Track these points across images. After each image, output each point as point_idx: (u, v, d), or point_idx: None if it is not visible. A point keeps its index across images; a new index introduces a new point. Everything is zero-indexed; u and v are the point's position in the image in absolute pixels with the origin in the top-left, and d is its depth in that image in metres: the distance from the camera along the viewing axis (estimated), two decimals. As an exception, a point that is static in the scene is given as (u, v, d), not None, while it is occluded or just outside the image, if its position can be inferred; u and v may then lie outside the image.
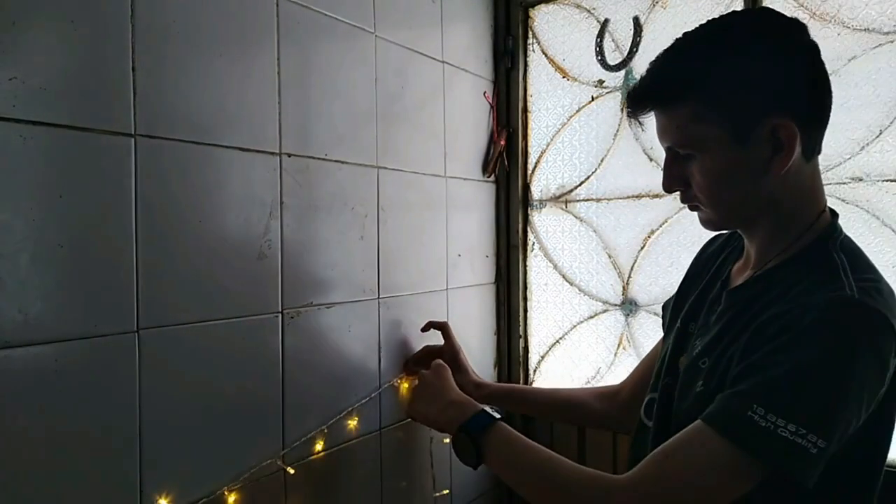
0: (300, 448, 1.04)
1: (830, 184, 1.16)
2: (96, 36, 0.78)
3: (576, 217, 1.50)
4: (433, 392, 1.04)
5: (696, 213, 0.85)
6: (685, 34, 0.78)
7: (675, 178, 0.81)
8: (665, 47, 0.79)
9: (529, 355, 1.58)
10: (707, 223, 0.84)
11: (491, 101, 1.54)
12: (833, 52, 1.15)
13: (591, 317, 1.49)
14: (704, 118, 0.75)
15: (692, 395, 0.79)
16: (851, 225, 1.14)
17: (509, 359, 1.59)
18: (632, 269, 1.42)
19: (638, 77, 0.96)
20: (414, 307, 1.30)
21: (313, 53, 1.07)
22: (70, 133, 0.75)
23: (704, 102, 0.75)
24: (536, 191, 1.56)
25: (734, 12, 0.79)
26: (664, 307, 1.03)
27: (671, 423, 0.83)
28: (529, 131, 1.56)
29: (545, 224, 1.55)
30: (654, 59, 0.80)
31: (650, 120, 0.82)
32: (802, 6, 1.18)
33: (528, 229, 1.58)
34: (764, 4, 1.21)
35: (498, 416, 0.91)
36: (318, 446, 1.08)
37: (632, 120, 0.82)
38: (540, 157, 1.55)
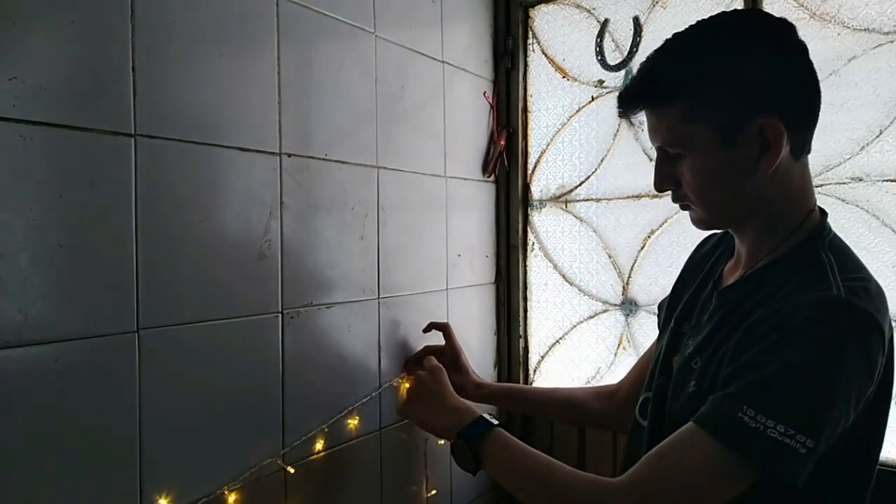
0: (300, 448, 1.04)
1: (830, 184, 1.16)
2: (96, 36, 0.78)
3: (576, 217, 1.50)
4: (431, 397, 1.04)
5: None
6: (675, 35, 0.79)
7: (665, 178, 0.82)
8: (655, 48, 0.80)
9: (529, 355, 1.58)
10: (698, 222, 0.85)
11: (491, 101, 1.54)
12: (833, 52, 1.15)
13: (591, 317, 1.49)
14: (694, 118, 0.76)
15: (685, 395, 0.80)
16: (851, 225, 1.14)
17: (509, 359, 1.59)
18: (632, 269, 1.42)
19: (637, 77, 0.96)
20: (414, 307, 1.30)
21: (313, 53, 1.07)
22: (70, 133, 0.75)
23: (693, 102, 0.76)
24: (536, 191, 1.56)
25: (724, 13, 0.80)
26: (659, 306, 1.03)
27: (665, 423, 0.83)
28: (529, 131, 1.56)
29: (545, 224, 1.55)
30: (644, 59, 0.81)
31: None
32: (802, 6, 1.18)
33: (528, 229, 1.58)
34: (763, 5, 1.21)
35: (496, 422, 0.91)
36: (319, 446, 1.08)
37: (624, 119, 0.83)
38: (540, 157, 1.55)
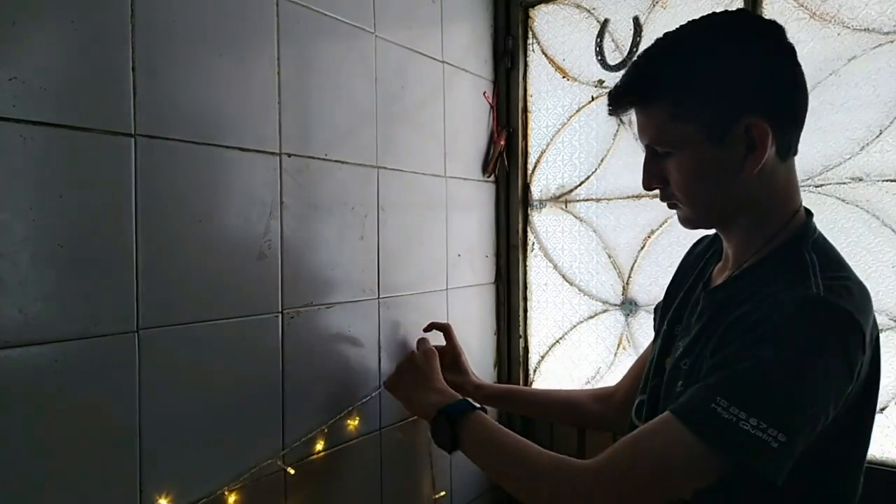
0: (300, 448, 1.04)
1: (830, 184, 1.16)
2: (96, 36, 0.78)
3: (576, 217, 1.50)
4: (420, 376, 1.08)
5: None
6: (665, 34, 0.80)
7: (653, 176, 0.83)
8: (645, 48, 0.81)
9: (529, 355, 1.58)
10: (685, 221, 0.86)
11: (491, 101, 1.54)
12: (833, 52, 1.15)
13: (591, 317, 1.49)
14: (681, 117, 0.77)
15: (674, 396, 0.81)
16: (851, 225, 1.14)
17: (509, 359, 1.59)
18: (632, 269, 1.42)
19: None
20: (414, 307, 1.30)
21: (313, 53, 1.07)
22: (70, 133, 0.75)
23: (681, 101, 0.77)
24: (536, 191, 1.56)
25: (714, 14, 0.80)
26: (655, 309, 1.04)
27: None
28: (529, 131, 1.56)
29: (545, 224, 1.55)
30: (634, 58, 0.81)
31: None
32: (802, 6, 1.18)
33: (528, 229, 1.57)
34: (764, 5, 1.21)
35: (478, 406, 0.95)
36: (318, 446, 1.08)
37: (615, 118, 0.84)
38: (540, 157, 1.55)
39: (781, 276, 0.75)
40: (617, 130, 1.43)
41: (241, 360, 0.95)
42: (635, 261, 1.41)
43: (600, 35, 1.43)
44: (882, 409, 1.12)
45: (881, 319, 1.12)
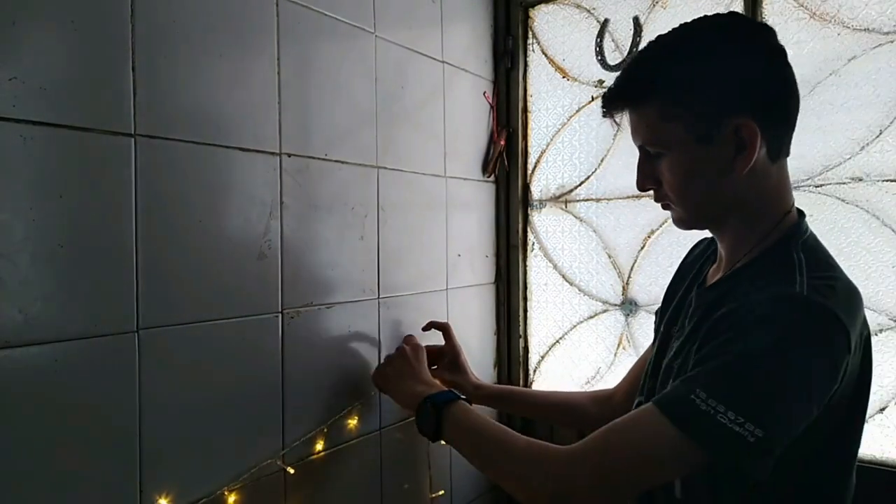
0: (300, 448, 1.04)
1: (830, 184, 1.16)
2: (96, 36, 0.78)
3: (576, 217, 1.50)
4: (409, 369, 1.10)
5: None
6: (657, 37, 0.81)
7: (647, 177, 0.84)
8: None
9: (529, 355, 1.58)
10: (678, 222, 0.87)
11: (491, 101, 1.54)
12: (833, 52, 1.15)
13: (591, 317, 1.49)
14: (671, 117, 0.78)
15: None
16: (851, 225, 1.14)
17: (509, 359, 1.59)
18: (632, 269, 1.42)
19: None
20: (414, 307, 1.30)
21: (313, 53, 1.07)
22: (70, 133, 0.75)
23: (671, 102, 0.78)
24: (536, 191, 1.56)
25: (705, 17, 0.82)
26: (656, 313, 1.05)
27: None
28: (529, 131, 1.56)
29: (545, 224, 1.55)
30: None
31: None
32: (802, 6, 1.18)
33: (528, 229, 1.57)
34: (764, 5, 1.21)
35: (463, 397, 0.97)
36: (318, 446, 1.08)
37: (609, 119, 0.86)
38: (540, 157, 1.55)
39: (768, 275, 0.76)
40: (617, 130, 1.43)
41: (241, 360, 0.95)
42: (635, 261, 1.41)
43: (600, 35, 1.43)
44: (882, 409, 1.12)
45: (881, 319, 1.12)
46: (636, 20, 1.37)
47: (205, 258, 0.90)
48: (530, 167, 1.56)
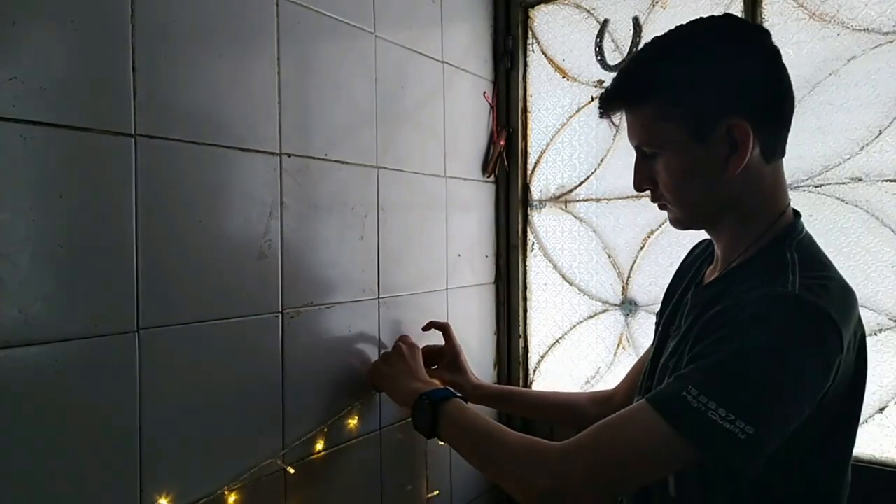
0: (300, 448, 1.04)
1: (830, 184, 1.16)
2: (96, 36, 0.78)
3: (575, 217, 1.50)
4: (406, 367, 1.11)
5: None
6: (653, 39, 0.83)
7: (643, 178, 0.85)
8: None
9: (529, 355, 1.59)
10: (675, 222, 0.87)
11: (491, 102, 1.54)
12: (833, 52, 1.15)
13: (591, 317, 1.49)
14: (666, 117, 0.79)
15: None
16: (851, 225, 1.14)
17: (509, 359, 1.59)
18: (631, 269, 1.42)
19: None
20: (414, 307, 1.30)
21: (313, 53, 1.07)
22: (70, 133, 0.75)
23: (665, 102, 0.79)
24: (536, 191, 1.56)
25: (700, 18, 0.83)
26: (657, 314, 1.05)
27: None
28: (529, 131, 1.56)
29: (545, 224, 1.55)
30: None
31: None
32: (802, 6, 1.18)
33: (528, 229, 1.58)
34: (763, 5, 1.22)
35: (459, 395, 0.98)
36: (318, 446, 1.08)
37: (606, 120, 0.87)
38: (540, 157, 1.55)
39: (762, 274, 0.76)
40: (616, 131, 1.43)
41: (241, 360, 0.95)
42: (635, 261, 1.41)
43: (600, 35, 1.43)
44: (882, 409, 1.12)
45: (881, 319, 1.12)
46: (636, 20, 1.37)
47: (205, 258, 0.90)
48: (530, 167, 1.56)
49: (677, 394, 0.70)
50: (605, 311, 1.47)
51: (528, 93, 1.56)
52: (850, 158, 1.15)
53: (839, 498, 0.79)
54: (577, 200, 1.50)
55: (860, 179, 1.14)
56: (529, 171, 1.57)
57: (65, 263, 0.75)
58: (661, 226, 1.37)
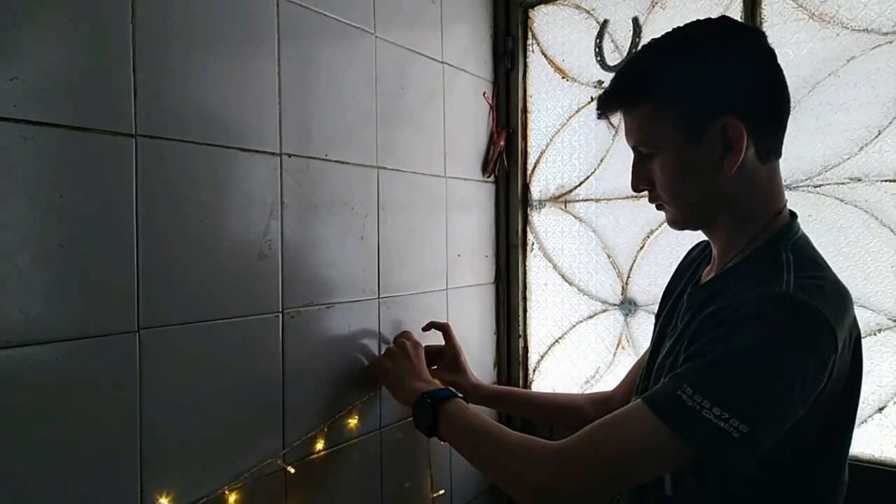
0: (300, 447, 1.04)
1: (829, 184, 1.17)
2: (96, 36, 0.78)
3: (575, 217, 1.50)
4: (409, 366, 1.11)
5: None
6: (651, 40, 0.84)
7: (641, 178, 0.86)
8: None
9: (529, 355, 1.59)
10: (672, 223, 0.88)
11: (491, 102, 1.54)
12: (832, 52, 1.15)
13: (591, 317, 1.49)
14: (661, 118, 0.80)
15: None
16: (850, 225, 1.14)
17: (509, 359, 1.59)
18: (631, 268, 1.42)
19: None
20: (414, 307, 1.30)
21: (313, 54, 1.07)
22: (70, 133, 0.75)
23: (661, 102, 0.80)
24: (536, 191, 1.56)
25: (697, 21, 0.84)
26: (655, 314, 1.05)
27: None
28: (529, 132, 1.57)
29: (544, 224, 1.55)
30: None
31: None
32: (802, 6, 1.18)
33: (528, 229, 1.58)
34: (763, 6, 1.22)
35: (461, 395, 0.99)
36: (319, 446, 1.08)
37: (603, 120, 0.88)
38: (539, 157, 1.55)
39: (757, 274, 0.77)
40: (615, 131, 1.43)
41: (242, 360, 0.96)
42: (634, 261, 1.41)
43: (600, 36, 1.43)
44: (881, 409, 1.12)
45: (881, 319, 1.12)
46: (635, 21, 1.37)
47: (205, 258, 0.90)
48: (530, 167, 1.57)
49: (672, 393, 0.70)
50: (604, 311, 1.47)
51: (528, 93, 1.56)
52: (849, 159, 1.15)
53: (836, 497, 0.79)
54: (577, 200, 1.50)
55: (859, 180, 1.14)
56: (529, 172, 1.57)
57: (65, 263, 0.75)
58: (660, 226, 1.37)
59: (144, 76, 0.82)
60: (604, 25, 1.42)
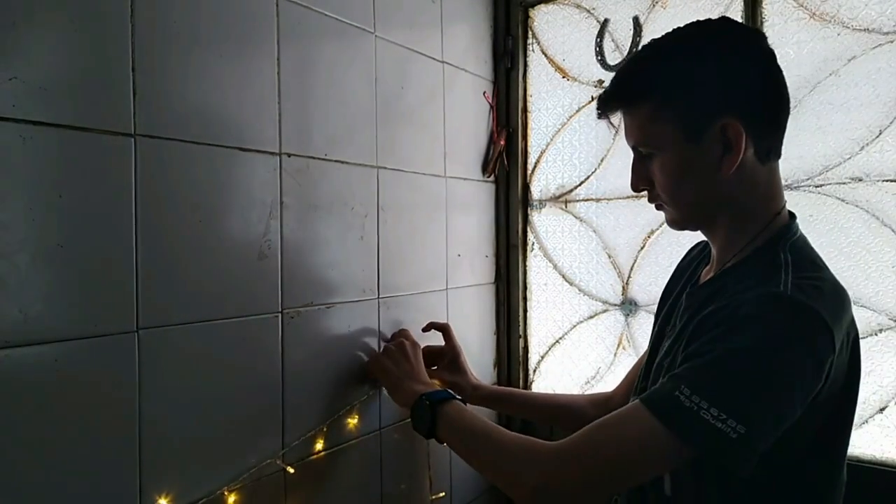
0: (300, 448, 1.04)
1: (830, 184, 1.16)
2: (96, 36, 0.78)
3: (575, 217, 1.50)
4: (409, 367, 1.11)
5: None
6: (651, 41, 0.84)
7: (640, 178, 0.86)
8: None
9: (529, 355, 1.58)
10: (671, 223, 0.88)
11: (491, 102, 1.54)
12: (833, 52, 1.15)
13: (591, 317, 1.49)
14: (661, 118, 0.80)
15: None
16: (851, 225, 1.14)
17: (509, 359, 1.59)
18: (631, 268, 1.42)
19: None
20: (414, 307, 1.30)
21: (313, 53, 1.07)
22: (70, 133, 0.75)
23: (660, 102, 0.80)
24: (536, 191, 1.56)
25: (697, 21, 0.84)
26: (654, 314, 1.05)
27: None
28: (529, 131, 1.56)
29: (545, 224, 1.55)
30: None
31: None
32: (802, 6, 1.18)
33: (528, 229, 1.58)
34: (764, 5, 1.21)
35: (459, 397, 0.99)
36: (318, 446, 1.08)
37: (604, 120, 0.88)
38: (540, 157, 1.55)
39: (756, 275, 0.77)
40: (617, 130, 1.43)
41: (241, 360, 0.95)
42: (635, 261, 1.41)
43: (600, 35, 1.43)
44: (882, 409, 1.12)
45: (881, 319, 1.12)
46: (636, 20, 1.37)
47: (205, 258, 0.90)
48: (530, 167, 1.56)
49: (670, 393, 0.70)
50: (605, 311, 1.47)
51: (528, 93, 1.56)
52: (850, 158, 1.15)
53: (835, 497, 0.79)
54: (577, 200, 1.50)
55: (860, 179, 1.14)
56: (529, 171, 1.57)
57: (65, 263, 0.75)
58: (661, 226, 1.37)
59: (144, 76, 0.82)
60: (604, 25, 1.42)
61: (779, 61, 0.81)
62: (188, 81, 0.88)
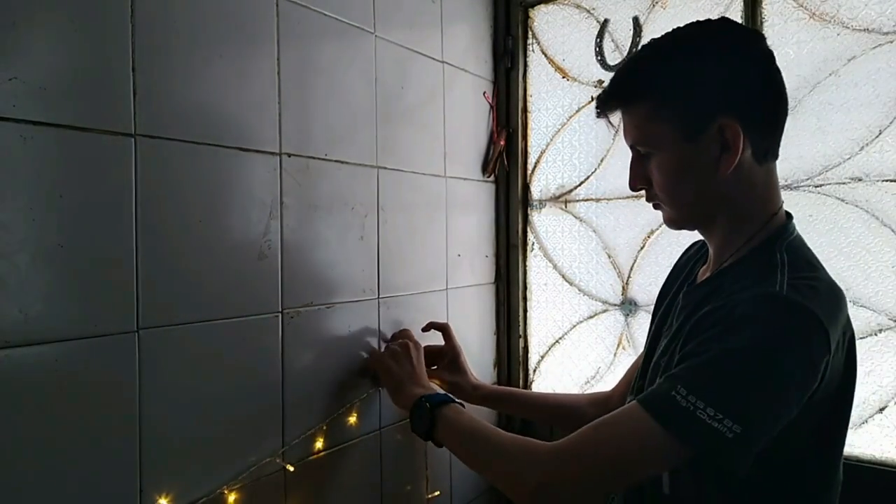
0: (300, 447, 1.04)
1: (830, 184, 1.16)
2: (96, 36, 0.78)
3: (575, 217, 1.50)
4: (410, 369, 1.11)
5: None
6: (650, 41, 0.84)
7: (638, 177, 0.87)
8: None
9: (529, 355, 1.59)
10: (669, 222, 0.89)
11: (491, 102, 1.54)
12: (833, 52, 1.15)
13: (591, 317, 1.49)
14: (659, 117, 0.80)
15: None
16: (851, 225, 1.14)
17: (509, 359, 1.59)
18: (631, 268, 1.42)
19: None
20: (414, 307, 1.30)
21: (313, 53, 1.07)
22: (70, 133, 0.75)
23: (659, 102, 0.80)
24: (536, 191, 1.56)
25: (697, 22, 0.84)
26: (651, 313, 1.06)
27: None
28: (529, 131, 1.56)
29: (545, 224, 1.55)
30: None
31: None
32: (802, 6, 1.18)
33: (528, 229, 1.58)
34: (763, 5, 1.22)
35: (458, 401, 1.00)
36: (318, 445, 1.08)
37: (603, 119, 0.89)
38: (540, 157, 1.55)
39: (752, 275, 0.77)
40: (615, 131, 1.43)
41: (241, 360, 0.96)
42: (635, 261, 1.41)
43: (600, 35, 1.43)
44: (882, 409, 1.12)
45: (881, 319, 1.12)
46: (636, 20, 1.37)
47: (205, 258, 0.90)
48: (530, 167, 1.56)
49: (667, 393, 0.71)
50: (605, 311, 1.47)
51: (528, 93, 1.56)
52: (850, 158, 1.15)
53: (831, 496, 0.80)
54: (577, 200, 1.50)
55: (860, 179, 1.14)
56: (529, 171, 1.57)
57: (65, 263, 0.75)
58: (660, 226, 1.37)
59: (144, 76, 0.82)
60: (604, 25, 1.42)
61: (778, 61, 0.81)
62: (188, 81, 0.88)
